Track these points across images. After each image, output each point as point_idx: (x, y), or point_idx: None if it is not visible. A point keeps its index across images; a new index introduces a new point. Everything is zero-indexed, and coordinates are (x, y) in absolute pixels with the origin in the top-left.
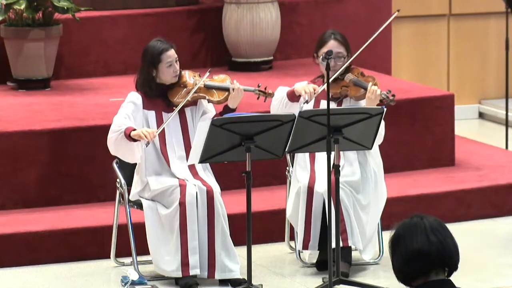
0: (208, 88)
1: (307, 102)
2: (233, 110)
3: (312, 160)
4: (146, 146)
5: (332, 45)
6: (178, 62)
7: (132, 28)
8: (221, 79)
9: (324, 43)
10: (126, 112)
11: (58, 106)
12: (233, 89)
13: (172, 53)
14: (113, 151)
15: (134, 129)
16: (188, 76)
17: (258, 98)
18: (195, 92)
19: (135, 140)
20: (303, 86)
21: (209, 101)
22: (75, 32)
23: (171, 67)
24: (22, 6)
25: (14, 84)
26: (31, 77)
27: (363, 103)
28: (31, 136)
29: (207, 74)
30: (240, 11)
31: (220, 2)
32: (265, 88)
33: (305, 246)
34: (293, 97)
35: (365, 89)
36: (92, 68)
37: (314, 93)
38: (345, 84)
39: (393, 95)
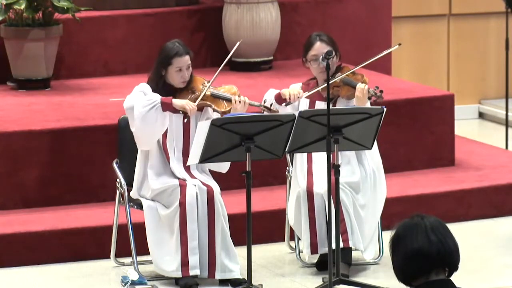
0: (214, 97)
1: (289, 103)
2: None
3: (310, 161)
4: (185, 121)
5: (319, 46)
6: (190, 69)
7: (132, 28)
8: (228, 89)
9: (310, 46)
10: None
11: (58, 106)
12: (238, 102)
13: (184, 59)
14: (141, 128)
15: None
16: (198, 81)
17: (262, 113)
18: (202, 100)
19: (170, 110)
20: (289, 89)
21: (214, 110)
22: (75, 32)
23: (180, 72)
24: (22, 6)
25: (14, 84)
26: (31, 77)
27: (354, 101)
28: (31, 136)
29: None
30: (240, 11)
31: (220, 2)
32: (271, 105)
33: (314, 251)
34: (280, 99)
35: (355, 87)
36: (92, 68)
37: (298, 97)
38: (337, 84)
39: (381, 91)
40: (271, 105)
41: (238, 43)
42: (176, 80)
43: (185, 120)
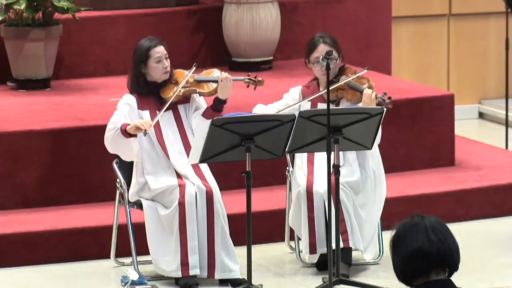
0: (198, 82)
1: None
2: (224, 102)
3: (310, 162)
4: (145, 135)
5: (322, 48)
6: (168, 59)
7: (132, 28)
8: (210, 72)
9: (314, 48)
10: (122, 112)
11: (58, 106)
12: (221, 80)
13: (160, 49)
14: (110, 149)
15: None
16: (180, 73)
17: (248, 86)
18: (186, 87)
19: (131, 136)
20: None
21: (200, 94)
22: (75, 32)
23: (160, 63)
24: (22, 6)
25: (14, 84)
26: (31, 77)
27: (360, 106)
28: (31, 136)
29: (193, 68)
30: (240, 11)
31: (220, 2)
32: (255, 77)
33: (313, 250)
34: None
35: (361, 92)
36: (92, 68)
37: None
38: (341, 87)
39: (389, 98)
40: (255, 76)
41: (193, 67)
42: (158, 73)
43: (143, 135)
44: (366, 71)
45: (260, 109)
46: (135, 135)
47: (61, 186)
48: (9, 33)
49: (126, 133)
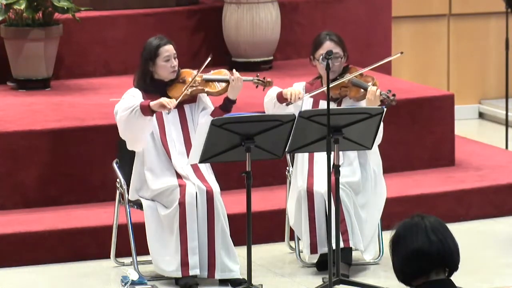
0: (207, 81)
1: (290, 103)
2: (234, 102)
3: (311, 162)
4: (168, 113)
5: (328, 46)
6: (176, 59)
7: (132, 28)
8: (219, 72)
9: (320, 45)
10: (131, 98)
11: (58, 106)
12: (233, 79)
13: (170, 48)
14: (123, 131)
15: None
16: (187, 72)
17: (257, 87)
18: (194, 86)
19: (150, 114)
20: (291, 89)
21: (208, 93)
22: (75, 32)
23: (169, 62)
24: (22, 6)
25: (14, 84)
26: (31, 77)
27: (363, 104)
28: (31, 136)
29: (208, 60)
30: (240, 11)
31: (220, 2)
32: (264, 78)
33: (314, 250)
34: (281, 99)
35: (365, 89)
36: (92, 68)
37: (299, 98)
38: (345, 85)
39: (394, 95)
40: (264, 77)
41: (209, 58)
42: (166, 71)
43: (168, 113)
44: (400, 54)
45: (275, 91)
46: (152, 114)
47: (61, 186)
48: (9, 33)
49: (147, 109)
